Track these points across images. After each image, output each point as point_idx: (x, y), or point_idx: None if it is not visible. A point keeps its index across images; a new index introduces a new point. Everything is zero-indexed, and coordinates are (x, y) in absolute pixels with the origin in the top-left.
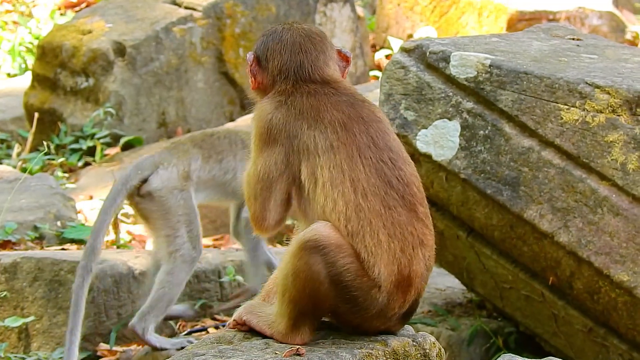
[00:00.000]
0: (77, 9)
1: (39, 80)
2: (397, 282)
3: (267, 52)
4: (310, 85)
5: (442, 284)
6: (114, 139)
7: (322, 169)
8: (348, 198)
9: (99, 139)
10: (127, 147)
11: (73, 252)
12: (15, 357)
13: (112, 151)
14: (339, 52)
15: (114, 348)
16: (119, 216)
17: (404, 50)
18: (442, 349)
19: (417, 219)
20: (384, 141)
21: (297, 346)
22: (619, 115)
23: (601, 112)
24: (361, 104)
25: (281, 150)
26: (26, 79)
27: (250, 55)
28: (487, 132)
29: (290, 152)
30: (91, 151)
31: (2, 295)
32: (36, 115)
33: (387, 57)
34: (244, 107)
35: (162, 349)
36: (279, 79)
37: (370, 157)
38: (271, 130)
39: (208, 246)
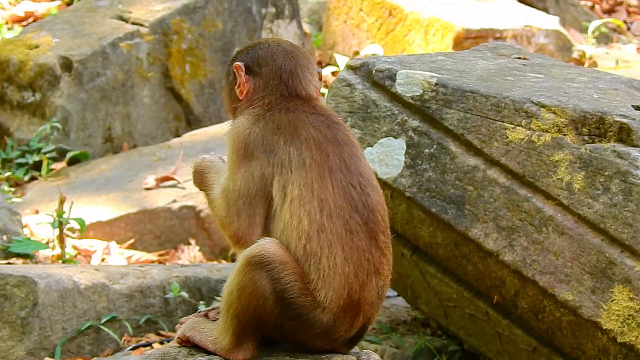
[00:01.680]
0: (24, 23)
1: None
2: (345, 306)
3: (259, 59)
4: (292, 100)
5: (387, 301)
6: (60, 154)
7: (293, 185)
8: (313, 217)
9: (45, 153)
10: (73, 161)
11: (18, 267)
12: None
13: (58, 166)
14: (319, 72)
15: None
16: (65, 231)
17: (349, 67)
18: None
19: (377, 247)
20: (356, 166)
21: None
22: (564, 135)
23: (547, 131)
24: (337, 126)
25: (257, 164)
26: None
27: (240, 64)
28: (432, 150)
29: (266, 167)
30: (37, 165)
31: None
32: None
33: (333, 74)
34: (190, 123)
35: None
36: (269, 86)
37: (341, 180)
38: (249, 145)
39: (153, 261)
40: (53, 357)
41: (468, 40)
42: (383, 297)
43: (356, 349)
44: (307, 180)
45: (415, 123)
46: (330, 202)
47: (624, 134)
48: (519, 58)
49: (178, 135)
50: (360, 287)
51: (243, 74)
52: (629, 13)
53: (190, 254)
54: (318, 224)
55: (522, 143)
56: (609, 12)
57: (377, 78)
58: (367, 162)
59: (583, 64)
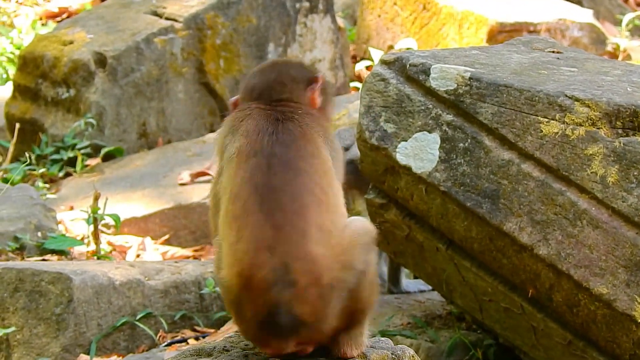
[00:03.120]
0: (58, 19)
1: (20, 90)
2: (242, 285)
3: (242, 84)
4: (262, 104)
5: (422, 295)
6: (95, 150)
7: (224, 177)
8: (225, 205)
9: (79, 149)
10: (108, 157)
11: (53, 263)
12: None
13: (92, 162)
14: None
15: (94, 359)
16: (100, 227)
17: (384, 62)
18: None
19: (272, 225)
20: (278, 151)
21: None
22: (598, 129)
23: (581, 125)
24: (286, 122)
25: (218, 165)
26: (7, 89)
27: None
28: (466, 144)
29: (220, 165)
30: (72, 162)
31: None
32: (17, 125)
33: (367, 68)
34: (224, 118)
35: (420, 291)
36: (243, 102)
37: (252, 163)
38: (216, 147)
39: (188, 257)
40: (88, 354)
41: (502, 33)
42: (298, 281)
43: (391, 343)
44: (231, 170)
45: (449, 117)
46: (236, 187)
47: None
48: (553, 52)
49: (213, 131)
50: (251, 264)
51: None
52: None
53: None
54: (225, 210)
55: (556, 137)
56: None
57: (411, 72)
58: (317, 154)
59: (617, 57)
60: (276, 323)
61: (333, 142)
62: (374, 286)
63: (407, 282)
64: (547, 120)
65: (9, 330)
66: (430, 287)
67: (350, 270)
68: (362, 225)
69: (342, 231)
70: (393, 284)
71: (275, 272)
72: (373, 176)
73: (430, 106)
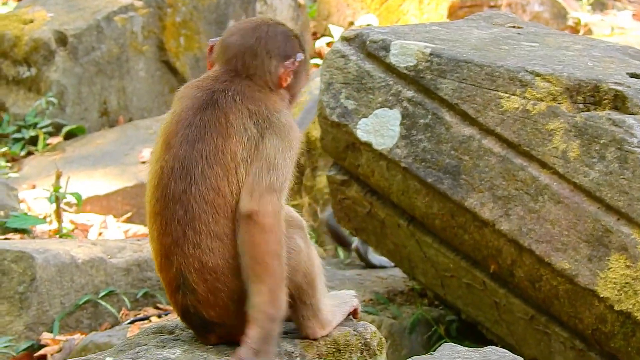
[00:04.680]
0: None
1: None
2: (162, 282)
3: (220, 38)
4: (221, 73)
5: (384, 272)
6: (56, 128)
7: (150, 163)
8: (147, 197)
9: (41, 128)
10: (70, 136)
11: (16, 242)
12: None
13: (54, 140)
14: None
15: (57, 337)
16: (62, 205)
17: (344, 39)
18: (383, 339)
19: (170, 236)
20: (189, 153)
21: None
22: (559, 104)
23: (542, 100)
24: (218, 109)
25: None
26: None
27: (210, 42)
28: (427, 120)
29: None
30: (33, 140)
31: None
32: None
33: (328, 44)
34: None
35: (381, 267)
36: (216, 54)
37: (167, 165)
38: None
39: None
40: (52, 332)
41: (463, 9)
42: (197, 289)
43: (353, 320)
44: (152, 160)
45: (409, 93)
46: (151, 184)
47: (619, 102)
48: (514, 27)
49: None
50: (160, 267)
51: (208, 52)
52: None
53: None
54: (147, 200)
55: (517, 112)
56: None
57: (371, 49)
58: (220, 151)
59: (578, 32)
60: (192, 322)
61: (273, 126)
62: (302, 270)
63: (373, 255)
64: (507, 95)
65: None
66: (393, 264)
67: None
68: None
69: None
70: (360, 254)
71: (176, 279)
72: (334, 153)
73: (391, 82)
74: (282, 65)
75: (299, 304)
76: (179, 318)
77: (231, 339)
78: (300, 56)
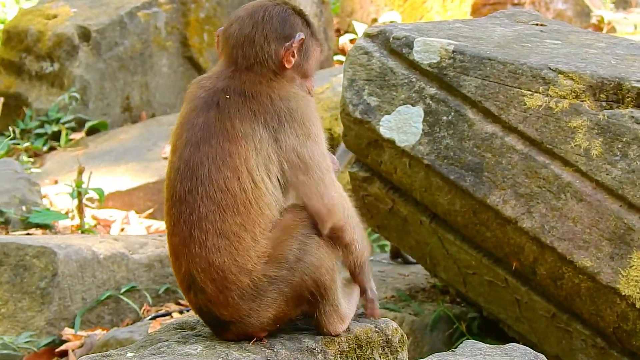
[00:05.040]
0: None
1: (4, 64)
2: (177, 280)
3: (231, 15)
4: (220, 68)
5: (406, 269)
6: (79, 124)
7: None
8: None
9: (64, 123)
10: (92, 131)
11: (38, 237)
12: None
13: (77, 136)
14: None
15: (79, 332)
16: (84, 201)
17: (367, 35)
18: (404, 335)
19: (178, 236)
20: (194, 155)
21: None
22: (582, 101)
23: (565, 97)
24: (221, 111)
25: None
26: None
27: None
28: (450, 117)
29: None
30: (56, 136)
31: None
32: (1, 99)
33: (351, 41)
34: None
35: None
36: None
37: (176, 167)
38: None
39: None
40: (73, 327)
41: (486, 6)
42: (206, 289)
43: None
44: (168, 160)
45: (432, 90)
46: (166, 183)
47: None
48: (537, 24)
49: None
50: (173, 265)
51: (216, 44)
52: None
53: None
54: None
55: (540, 109)
56: None
57: (395, 46)
58: (227, 153)
59: (601, 30)
60: (208, 321)
61: (283, 120)
62: (325, 267)
63: None
64: (530, 93)
65: None
66: None
67: (281, 263)
68: (295, 213)
69: (264, 229)
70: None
71: (187, 278)
72: (356, 150)
73: (414, 79)
74: (282, 47)
75: (321, 300)
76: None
77: (249, 335)
78: (300, 35)
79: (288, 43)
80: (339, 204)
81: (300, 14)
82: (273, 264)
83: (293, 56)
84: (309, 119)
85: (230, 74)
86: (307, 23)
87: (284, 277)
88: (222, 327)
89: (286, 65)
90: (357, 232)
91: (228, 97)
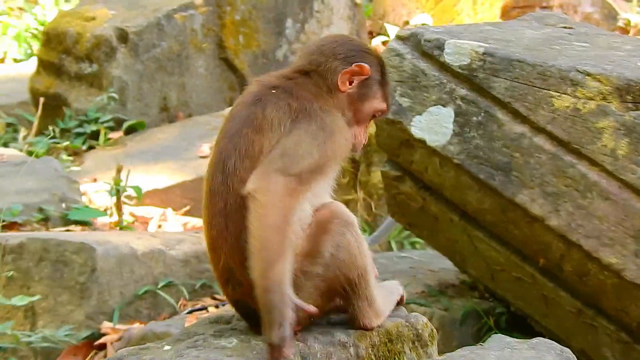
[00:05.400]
0: None
1: (44, 65)
2: (215, 276)
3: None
4: (288, 71)
5: (436, 265)
6: (117, 123)
7: None
8: None
9: (102, 123)
10: (130, 131)
11: (77, 234)
12: (22, 334)
13: (115, 135)
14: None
15: (117, 326)
16: (122, 198)
17: (399, 38)
18: (434, 330)
19: (214, 228)
20: (228, 147)
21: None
22: (609, 103)
23: (592, 99)
24: (261, 105)
25: None
26: (32, 65)
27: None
28: (480, 118)
29: None
30: (95, 135)
31: (9, 275)
32: (42, 99)
33: (383, 43)
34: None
35: None
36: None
37: (213, 160)
38: None
39: None
40: (111, 321)
41: (515, 9)
42: (243, 282)
43: (405, 311)
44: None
45: (463, 92)
46: (205, 176)
47: None
48: (565, 27)
49: (232, 105)
50: (211, 259)
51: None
52: None
53: None
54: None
55: (568, 111)
56: None
57: (426, 48)
58: (257, 148)
59: (628, 33)
60: (243, 314)
61: (308, 116)
62: (354, 264)
63: None
64: (558, 94)
65: (34, 299)
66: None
67: (316, 259)
68: (330, 210)
69: (300, 223)
70: None
71: (224, 272)
72: (388, 149)
73: (445, 81)
74: (343, 67)
75: (353, 296)
76: (233, 309)
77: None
78: (366, 65)
79: (350, 66)
80: (274, 188)
81: (378, 57)
82: (309, 260)
83: (350, 82)
84: (330, 131)
85: (289, 76)
86: (382, 70)
87: (319, 273)
88: (258, 320)
89: (340, 86)
90: (273, 226)
91: (274, 91)
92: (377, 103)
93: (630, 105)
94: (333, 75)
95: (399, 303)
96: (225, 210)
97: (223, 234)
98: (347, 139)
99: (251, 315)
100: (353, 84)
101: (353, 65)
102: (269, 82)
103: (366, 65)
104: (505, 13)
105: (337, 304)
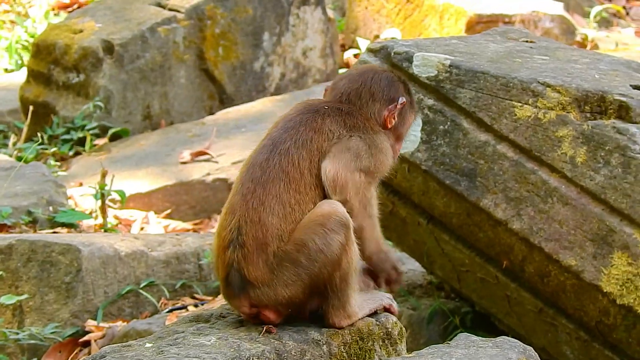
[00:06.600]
0: (69, 10)
1: (33, 75)
2: (215, 245)
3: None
4: (332, 101)
5: (404, 267)
6: (103, 131)
7: None
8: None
9: (88, 130)
10: (115, 137)
11: (63, 235)
12: (10, 332)
13: (100, 142)
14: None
15: (101, 324)
16: (107, 202)
17: (370, 50)
18: (403, 328)
19: (241, 193)
20: (278, 136)
21: (269, 325)
22: (568, 112)
23: (552, 109)
24: (314, 114)
25: None
26: (22, 74)
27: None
28: (446, 127)
29: None
30: (81, 141)
31: None
32: (31, 108)
33: (355, 56)
34: (223, 101)
35: None
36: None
37: (262, 145)
38: None
39: (188, 230)
40: (95, 319)
41: (479, 24)
42: (246, 243)
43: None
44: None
45: (430, 102)
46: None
47: (623, 112)
48: (527, 41)
49: (212, 113)
50: (221, 226)
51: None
52: None
53: None
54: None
55: (529, 120)
56: None
57: (396, 60)
58: (306, 142)
59: (585, 47)
60: (229, 281)
61: (362, 134)
62: (339, 264)
63: None
64: (521, 104)
65: (22, 297)
66: None
67: (302, 248)
68: (329, 208)
69: (306, 210)
70: None
71: (232, 232)
72: None
73: (413, 91)
74: (385, 108)
75: (331, 294)
76: (220, 281)
77: (262, 307)
78: (402, 99)
79: (392, 105)
80: (352, 186)
81: (403, 82)
82: (295, 246)
83: (394, 118)
84: (381, 153)
85: (336, 104)
86: (408, 91)
87: (303, 263)
88: (243, 289)
89: (388, 125)
90: (370, 224)
91: (327, 108)
92: (411, 119)
93: (588, 115)
94: (378, 117)
95: (392, 313)
96: (261, 179)
97: (247, 197)
98: (392, 157)
99: (237, 283)
100: (395, 117)
101: (394, 105)
102: (319, 103)
103: (402, 98)
104: (470, 28)
105: (316, 303)
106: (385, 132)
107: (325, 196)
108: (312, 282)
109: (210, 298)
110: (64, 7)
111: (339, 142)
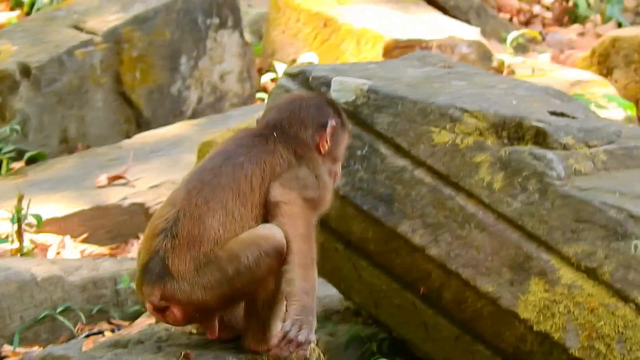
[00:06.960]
0: None
1: None
2: (145, 235)
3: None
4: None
5: (322, 292)
6: (19, 154)
7: None
8: None
9: (4, 153)
10: (31, 161)
11: None
12: None
13: (17, 165)
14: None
15: (17, 349)
16: (23, 226)
17: (288, 75)
18: (321, 354)
19: (187, 189)
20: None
21: (187, 350)
22: (486, 138)
23: (469, 134)
24: (276, 136)
25: None
26: None
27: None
28: (364, 152)
29: None
30: None
31: None
32: None
33: (272, 80)
34: (140, 125)
35: None
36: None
37: (209, 157)
38: None
39: (105, 255)
40: (12, 345)
41: (397, 49)
42: (179, 234)
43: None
44: None
45: None
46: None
47: (540, 138)
48: (444, 67)
49: (129, 137)
50: (156, 216)
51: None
52: (544, 25)
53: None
54: None
55: (447, 145)
56: (526, 24)
57: (314, 85)
58: (251, 157)
59: (502, 72)
60: (149, 267)
61: (309, 165)
62: (267, 290)
63: None
64: (438, 130)
65: None
66: None
67: (234, 259)
68: (270, 232)
69: (247, 225)
70: None
71: (167, 222)
72: None
73: (343, 111)
74: (317, 134)
75: (252, 315)
76: (139, 267)
77: (174, 302)
78: (332, 122)
79: (322, 130)
80: (296, 216)
81: (332, 104)
82: (228, 255)
83: (327, 142)
84: (323, 181)
85: (276, 130)
86: (338, 112)
87: (229, 273)
88: (160, 277)
89: (321, 150)
90: (303, 265)
91: (276, 134)
92: (345, 140)
93: (505, 141)
94: (312, 143)
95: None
96: (211, 182)
97: (191, 194)
98: (330, 181)
99: (156, 271)
100: (328, 141)
101: (325, 130)
102: (262, 129)
103: (332, 121)
104: (387, 52)
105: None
106: (322, 159)
107: (266, 221)
108: (230, 294)
109: (126, 323)
110: None
111: (290, 170)
